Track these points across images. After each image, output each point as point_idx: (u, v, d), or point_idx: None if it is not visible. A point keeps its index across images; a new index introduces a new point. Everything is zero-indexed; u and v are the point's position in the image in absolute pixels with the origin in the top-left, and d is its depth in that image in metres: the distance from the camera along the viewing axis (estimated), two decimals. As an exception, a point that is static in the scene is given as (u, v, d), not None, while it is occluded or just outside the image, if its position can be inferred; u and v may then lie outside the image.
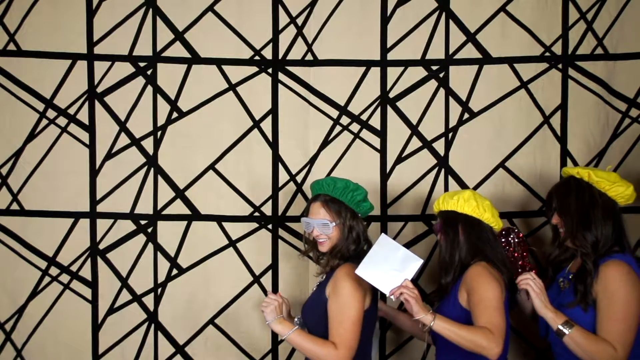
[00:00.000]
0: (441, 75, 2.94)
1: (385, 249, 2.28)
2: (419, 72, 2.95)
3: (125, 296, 2.99)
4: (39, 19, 2.93)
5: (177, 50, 2.95)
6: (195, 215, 2.97)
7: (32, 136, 2.96)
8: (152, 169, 2.96)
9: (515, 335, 2.88)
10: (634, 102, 2.92)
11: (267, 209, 2.97)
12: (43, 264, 2.98)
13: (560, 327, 2.17)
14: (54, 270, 2.98)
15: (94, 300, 2.99)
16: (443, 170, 2.96)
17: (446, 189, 2.95)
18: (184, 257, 2.98)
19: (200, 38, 2.94)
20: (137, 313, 2.99)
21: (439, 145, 2.96)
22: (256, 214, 2.97)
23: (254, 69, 2.95)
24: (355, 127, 2.96)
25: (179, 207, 2.97)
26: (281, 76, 2.95)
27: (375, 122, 2.96)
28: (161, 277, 2.98)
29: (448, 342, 2.19)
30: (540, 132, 2.93)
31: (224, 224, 2.97)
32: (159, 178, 2.97)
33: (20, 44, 2.94)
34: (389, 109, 2.96)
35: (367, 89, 2.95)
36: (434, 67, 2.94)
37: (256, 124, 2.96)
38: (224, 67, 2.95)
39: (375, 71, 2.94)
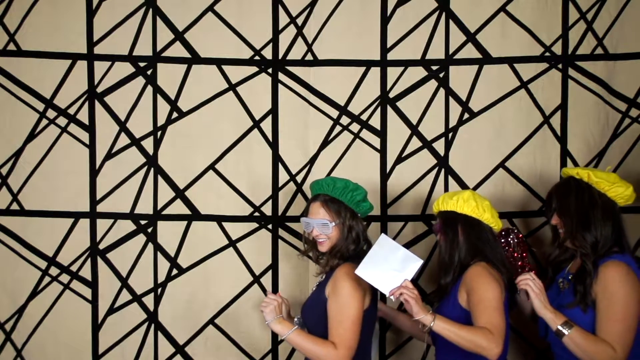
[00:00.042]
0: (441, 75, 2.94)
1: (385, 249, 2.28)
2: (419, 72, 2.95)
3: (125, 296, 2.99)
4: (39, 19, 2.93)
5: (177, 50, 2.95)
6: (195, 215, 2.97)
7: (32, 136, 2.96)
8: (152, 169, 2.96)
9: (515, 335, 2.88)
10: (634, 102, 2.92)
11: (267, 209, 2.97)
12: (43, 264, 2.98)
13: (560, 328, 2.17)
14: (54, 270, 2.98)
15: (94, 300, 2.99)
16: (443, 170, 2.96)
17: (446, 189, 2.95)
18: (184, 257, 2.98)
19: (200, 38, 2.94)
20: (137, 313, 2.99)
21: (439, 145, 2.96)
22: (256, 214, 2.97)
23: (254, 69, 2.95)
24: (355, 127, 2.96)
25: (179, 207, 2.97)
26: (281, 76, 2.95)
27: (375, 122, 2.96)
28: (161, 277, 2.98)
29: (448, 343, 2.19)
30: (540, 132, 2.93)
31: (224, 224, 2.97)
32: (159, 178, 2.97)
33: (20, 44, 2.94)
34: (389, 109, 2.96)
35: (367, 89, 2.95)
36: (434, 67, 2.94)
37: (256, 124, 2.96)
38: (224, 67, 2.95)
39: (375, 71, 2.94)
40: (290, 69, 2.95)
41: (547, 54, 2.92)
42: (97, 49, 2.95)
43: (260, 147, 2.96)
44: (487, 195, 2.76)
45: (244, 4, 2.93)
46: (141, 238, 2.98)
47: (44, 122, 2.96)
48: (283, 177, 2.97)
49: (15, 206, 2.97)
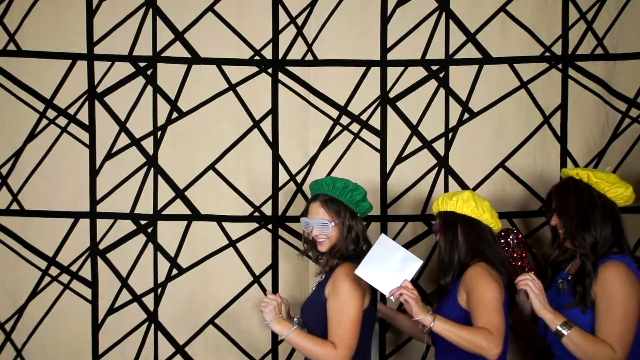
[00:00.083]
0: (441, 75, 2.94)
1: (385, 249, 2.28)
2: (419, 72, 2.95)
3: (125, 296, 2.99)
4: (39, 19, 2.93)
5: (177, 50, 2.95)
6: (195, 215, 2.97)
7: (32, 136, 2.96)
8: (152, 169, 2.96)
9: (515, 335, 2.88)
10: (634, 102, 2.92)
11: (267, 209, 2.97)
12: (43, 264, 2.98)
13: (559, 328, 2.17)
14: (54, 270, 2.98)
15: (94, 300, 2.99)
16: (443, 170, 2.96)
17: (446, 189, 2.95)
18: (184, 257, 2.98)
19: (200, 38, 2.94)
20: (137, 313, 2.99)
21: (439, 145, 2.96)
22: (256, 214, 2.97)
23: (254, 69, 2.95)
24: (355, 127, 2.96)
25: (179, 207, 2.97)
26: (281, 76, 2.95)
27: (375, 122, 2.96)
28: (161, 277, 2.98)
29: (447, 343, 2.19)
30: (540, 132, 2.93)
31: (224, 224, 2.97)
32: (159, 178, 2.97)
33: (20, 44, 2.94)
34: (389, 109, 2.96)
35: (367, 89, 2.95)
36: (434, 67, 2.94)
37: (256, 124, 2.96)
38: (224, 67, 2.95)
39: (375, 71, 2.94)
40: (290, 69, 2.95)
41: (547, 54, 2.92)
42: (97, 49, 2.95)
43: (260, 147, 2.96)
44: (487, 195, 2.76)
45: (244, 4, 2.93)
46: (141, 238, 2.98)
47: (44, 122, 2.96)
48: (283, 177, 2.97)
49: (15, 206, 2.98)
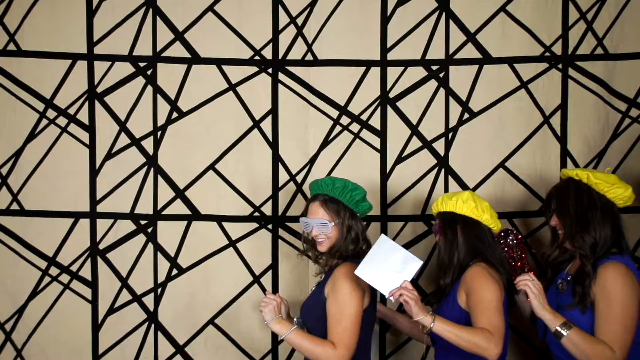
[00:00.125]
0: (441, 75, 2.94)
1: (385, 249, 2.28)
2: (419, 72, 2.95)
3: (125, 296, 2.99)
4: (39, 19, 2.93)
5: (177, 50, 2.95)
6: (195, 215, 2.97)
7: (32, 136, 2.96)
8: (152, 169, 2.96)
9: (515, 336, 2.88)
10: (634, 102, 2.92)
11: (267, 209, 2.97)
12: (43, 264, 2.98)
13: (558, 329, 2.16)
14: (54, 270, 2.98)
15: (94, 300, 2.99)
16: (443, 170, 2.96)
17: (446, 189, 2.95)
18: (184, 257, 2.98)
19: (200, 38, 2.94)
20: (137, 313, 2.99)
21: (439, 145, 2.96)
22: (256, 214, 2.97)
23: (254, 69, 2.95)
24: (355, 127, 2.96)
25: (179, 207, 2.97)
26: (281, 76, 2.95)
27: (375, 122, 2.96)
28: (161, 277, 2.98)
29: (447, 344, 2.19)
30: (540, 132, 2.93)
31: (224, 224, 2.97)
32: (159, 178, 2.97)
33: (20, 44, 2.94)
34: (389, 109, 2.96)
35: (367, 89, 2.95)
36: (434, 67, 2.94)
37: (256, 124, 2.96)
38: (224, 67, 2.95)
39: (375, 71, 2.94)
40: (290, 69, 2.95)
41: (547, 54, 2.92)
42: (97, 49, 2.95)
43: (260, 147, 2.96)
44: (487, 195, 2.76)
45: (244, 4, 2.93)
46: (141, 238, 2.98)
47: (44, 122, 2.96)
48: (283, 177, 2.97)
49: (15, 206, 2.98)
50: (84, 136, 2.97)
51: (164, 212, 2.97)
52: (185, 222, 2.97)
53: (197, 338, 2.99)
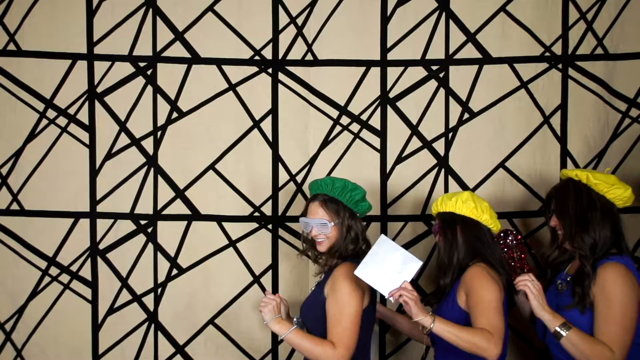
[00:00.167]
0: (441, 75, 2.94)
1: (385, 250, 2.28)
2: (419, 72, 2.94)
3: (125, 296, 2.99)
4: (39, 19, 2.93)
5: (177, 50, 2.95)
6: (195, 215, 2.97)
7: (32, 136, 2.96)
8: (152, 169, 2.97)
9: (515, 336, 2.88)
10: (634, 102, 2.92)
11: (267, 209, 2.97)
12: (43, 264, 2.98)
13: (558, 329, 2.16)
14: (54, 270, 2.98)
15: (94, 300, 2.99)
16: (443, 170, 2.96)
17: (446, 189, 2.95)
18: (184, 257, 2.98)
19: (200, 38, 2.94)
20: (137, 313, 2.99)
21: (439, 145, 2.96)
22: (256, 214, 2.97)
23: (254, 69, 2.95)
24: (355, 127, 2.96)
25: (179, 207, 2.97)
26: (281, 76, 2.95)
27: (375, 122, 2.96)
28: (161, 277, 2.98)
29: (447, 344, 2.19)
30: (540, 132, 2.93)
31: (224, 224, 2.97)
32: (159, 178, 2.97)
33: (20, 44, 2.94)
34: (389, 109, 2.96)
35: (367, 89, 2.95)
36: (434, 67, 2.94)
37: (256, 124, 2.96)
38: (224, 67, 2.95)
39: (375, 71, 2.94)
40: (290, 69, 2.95)
41: (547, 54, 2.92)
42: (97, 49, 2.95)
43: (260, 147, 2.96)
44: (487, 195, 2.77)
45: (244, 4, 2.93)
46: (141, 238, 2.98)
47: (44, 122, 2.96)
48: (283, 177, 2.97)
49: (15, 206, 2.98)
50: (84, 136, 2.97)
51: (164, 212, 2.97)
52: (185, 222, 2.97)
53: (197, 338, 2.99)
